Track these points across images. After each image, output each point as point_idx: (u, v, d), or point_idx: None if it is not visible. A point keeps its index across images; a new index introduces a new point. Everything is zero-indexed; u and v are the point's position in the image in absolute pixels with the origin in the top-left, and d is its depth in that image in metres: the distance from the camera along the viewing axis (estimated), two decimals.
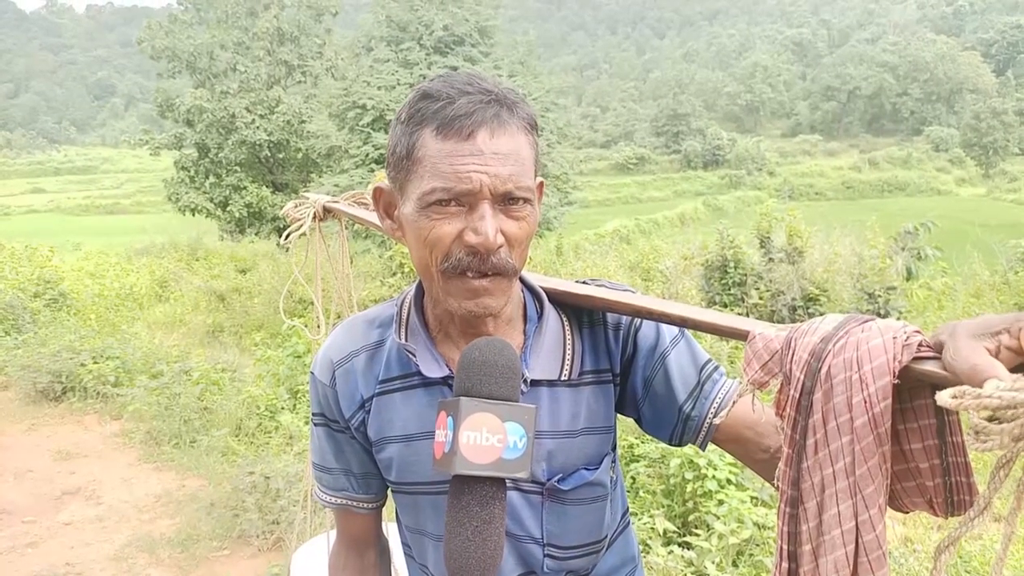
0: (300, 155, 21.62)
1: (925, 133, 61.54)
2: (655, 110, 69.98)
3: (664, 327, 1.00)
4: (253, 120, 20.58)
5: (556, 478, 0.97)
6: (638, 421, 1.04)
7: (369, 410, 1.00)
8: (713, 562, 3.04)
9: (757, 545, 3.21)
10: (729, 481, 3.45)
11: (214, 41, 21.14)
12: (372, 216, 1.60)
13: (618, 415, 1.05)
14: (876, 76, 69.59)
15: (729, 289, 7.81)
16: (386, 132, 18.24)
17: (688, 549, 3.17)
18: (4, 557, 3.67)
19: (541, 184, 0.95)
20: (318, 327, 1.90)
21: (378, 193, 0.96)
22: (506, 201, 0.85)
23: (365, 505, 1.10)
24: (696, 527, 3.36)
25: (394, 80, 18.69)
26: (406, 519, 1.05)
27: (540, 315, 0.99)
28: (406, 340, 0.98)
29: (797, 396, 0.70)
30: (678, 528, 3.41)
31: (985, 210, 36.06)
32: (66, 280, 9.83)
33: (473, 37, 19.79)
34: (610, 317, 1.01)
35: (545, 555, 1.00)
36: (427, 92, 0.86)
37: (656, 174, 56.14)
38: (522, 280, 1.00)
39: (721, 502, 3.30)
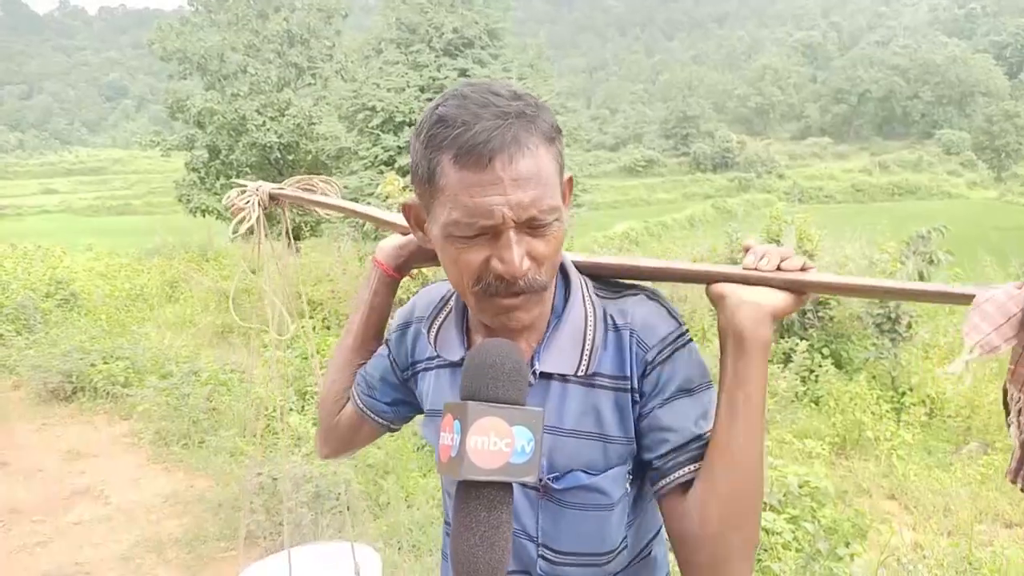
0: (310, 157, 21.66)
1: (936, 136, 61.23)
2: (664, 112, 69.95)
3: (691, 370, 0.96)
4: (263, 122, 20.65)
5: (551, 476, 0.96)
6: None
7: (416, 374, 1.14)
8: None
9: (765, 550, 3.19)
10: None
11: (225, 43, 21.22)
12: (322, 200, 1.55)
13: None
14: (887, 79, 69.31)
15: None
16: (395, 134, 18.27)
17: None
18: (14, 556, 3.69)
19: (570, 180, 0.94)
20: (277, 327, 1.66)
21: (407, 209, 0.98)
22: (531, 224, 0.85)
23: (379, 419, 1.22)
24: None
25: (403, 82, 18.70)
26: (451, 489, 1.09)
27: (564, 306, 0.98)
28: (443, 320, 1.08)
29: None
30: None
31: (997, 213, 35.84)
32: (77, 280, 9.89)
33: (483, 39, 19.78)
34: (647, 336, 0.96)
35: (539, 555, 1.00)
36: (442, 117, 0.84)
37: (665, 176, 56.05)
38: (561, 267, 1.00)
39: None
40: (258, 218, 1.56)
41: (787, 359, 6.53)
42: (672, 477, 0.92)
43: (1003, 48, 75.92)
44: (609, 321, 0.98)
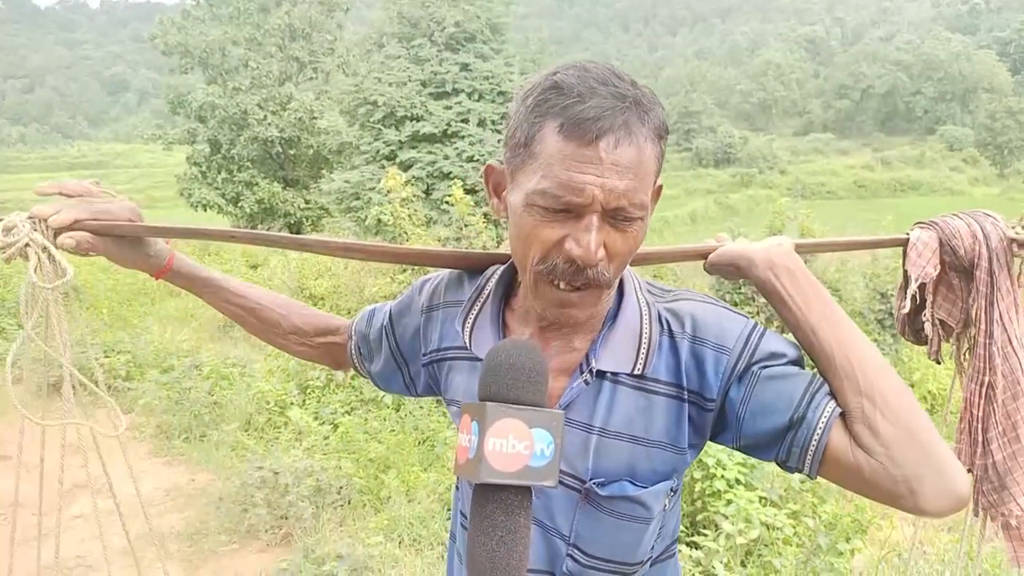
0: (311, 151, 21.68)
1: (939, 132, 61.01)
2: (667, 108, 69.25)
3: (781, 347, 0.92)
4: (265, 116, 20.65)
5: (596, 481, 0.93)
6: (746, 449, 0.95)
7: (440, 362, 1.10)
8: (721, 562, 3.03)
9: (766, 545, 3.19)
10: (738, 481, 3.44)
11: (226, 37, 21.21)
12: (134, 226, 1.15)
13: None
14: (890, 74, 69.09)
15: (740, 288, 7.77)
16: (396, 128, 18.24)
17: (696, 549, 3.16)
18: (16, 549, 3.69)
19: (659, 188, 0.92)
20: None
21: (489, 170, 0.95)
22: (616, 215, 0.82)
23: (353, 356, 1.24)
24: (704, 527, 3.35)
25: (405, 77, 18.66)
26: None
27: (619, 306, 0.96)
28: (477, 314, 1.02)
29: (987, 265, 1.10)
30: (686, 528, 3.40)
31: (999, 210, 35.44)
32: (79, 274, 9.88)
33: (484, 34, 19.71)
34: (724, 339, 0.92)
35: (568, 555, 0.97)
36: (558, 84, 0.81)
37: (667, 172, 55.06)
38: None
39: (729, 502, 3.29)
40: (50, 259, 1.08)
41: None
42: (827, 413, 0.86)
43: (1006, 44, 75.57)
44: (664, 324, 0.95)
